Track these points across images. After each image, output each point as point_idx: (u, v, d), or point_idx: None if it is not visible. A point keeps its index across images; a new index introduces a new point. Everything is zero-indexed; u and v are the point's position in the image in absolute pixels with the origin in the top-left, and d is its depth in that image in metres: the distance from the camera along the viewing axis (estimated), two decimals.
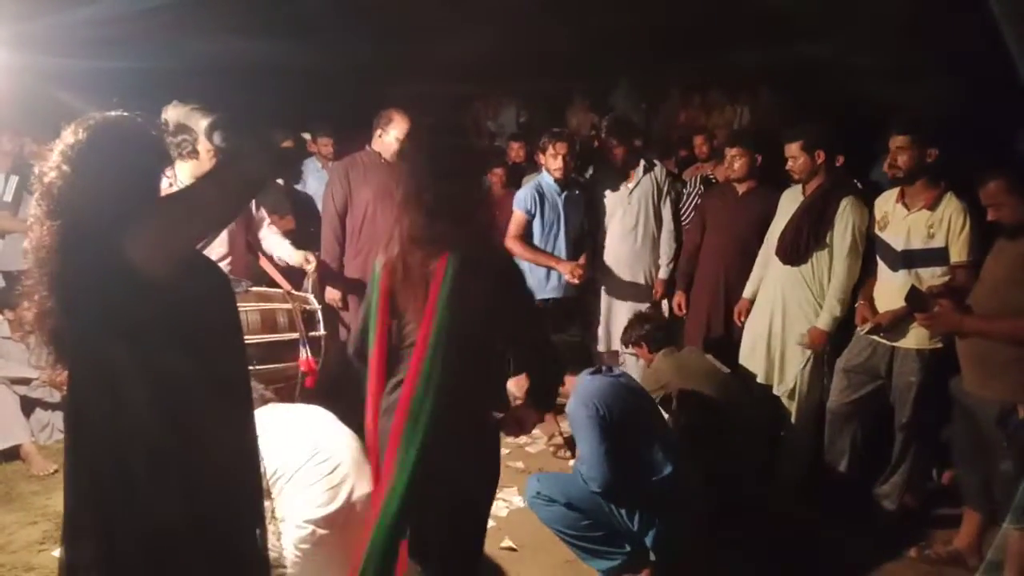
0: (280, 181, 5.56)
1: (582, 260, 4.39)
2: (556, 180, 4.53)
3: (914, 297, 3.26)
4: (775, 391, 3.98)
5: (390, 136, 4.33)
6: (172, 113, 2.09)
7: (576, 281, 4.31)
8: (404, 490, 2.11)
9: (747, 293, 4.20)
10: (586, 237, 4.67)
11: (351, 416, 2.79)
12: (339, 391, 4.29)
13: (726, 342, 4.34)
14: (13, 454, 4.20)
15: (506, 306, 2.24)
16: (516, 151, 6.60)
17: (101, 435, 1.79)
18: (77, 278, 1.72)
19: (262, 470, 2.03)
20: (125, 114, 1.85)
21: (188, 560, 1.81)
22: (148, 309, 1.73)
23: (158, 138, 1.92)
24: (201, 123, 1.99)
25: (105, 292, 1.70)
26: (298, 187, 5.89)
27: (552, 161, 4.51)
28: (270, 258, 4.16)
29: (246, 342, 3.32)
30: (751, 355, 4.07)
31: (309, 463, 2.72)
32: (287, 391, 3.72)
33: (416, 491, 2.12)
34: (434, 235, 2.19)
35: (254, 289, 3.79)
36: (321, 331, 3.79)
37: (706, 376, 3.83)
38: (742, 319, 4.19)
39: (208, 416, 1.84)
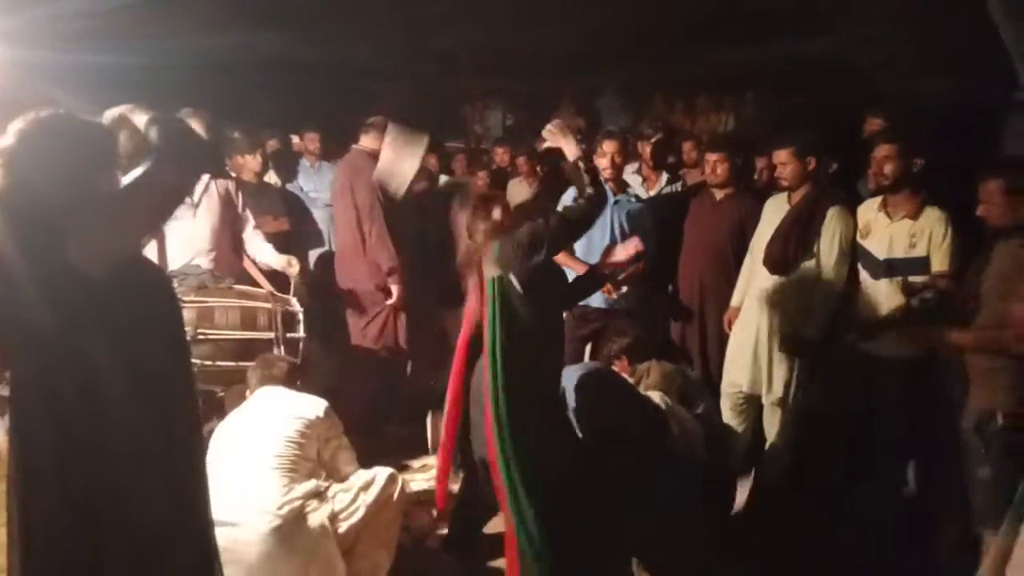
0: (277, 181, 5.53)
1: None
2: (605, 182, 4.19)
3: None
4: (763, 400, 4.01)
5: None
6: (111, 112, 2.08)
7: (612, 296, 4.12)
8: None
9: (735, 302, 4.18)
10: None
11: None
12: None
13: (702, 348, 4.38)
14: None
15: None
16: (501, 155, 6.62)
17: (38, 438, 1.79)
18: (18, 278, 1.71)
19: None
20: (60, 112, 1.83)
21: (130, 561, 1.82)
22: (85, 309, 1.74)
23: (97, 135, 1.89)
24: (140, 118, 1.97)
25: (44, 291, 1.71)
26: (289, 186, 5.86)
27: (601, 160, 4.25)
28: (254, 261, 4.15)
29: (224, 336, 3.38)
30: (736, 363, 4.07)
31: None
32: None
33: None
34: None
35: (237, 287, 3.78)
36: (301, 333, 3.75)
37: (699, 384, 4.01)
38: (731, 328, 4.16)
39: (147, 420, 1.84)
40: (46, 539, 1.79)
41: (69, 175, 1.78)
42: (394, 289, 4.44)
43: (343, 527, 2.92)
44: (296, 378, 3.29)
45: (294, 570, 2.77)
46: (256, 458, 2.87)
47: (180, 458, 1.94)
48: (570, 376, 3.32)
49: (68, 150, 1.79)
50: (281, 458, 2.87)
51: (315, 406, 3.08)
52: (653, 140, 5.04)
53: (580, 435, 3.20)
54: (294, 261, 4.06)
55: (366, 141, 4.49)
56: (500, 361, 2.73)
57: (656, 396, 3.70)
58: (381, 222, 4.40)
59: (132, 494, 1.82)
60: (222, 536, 2.50)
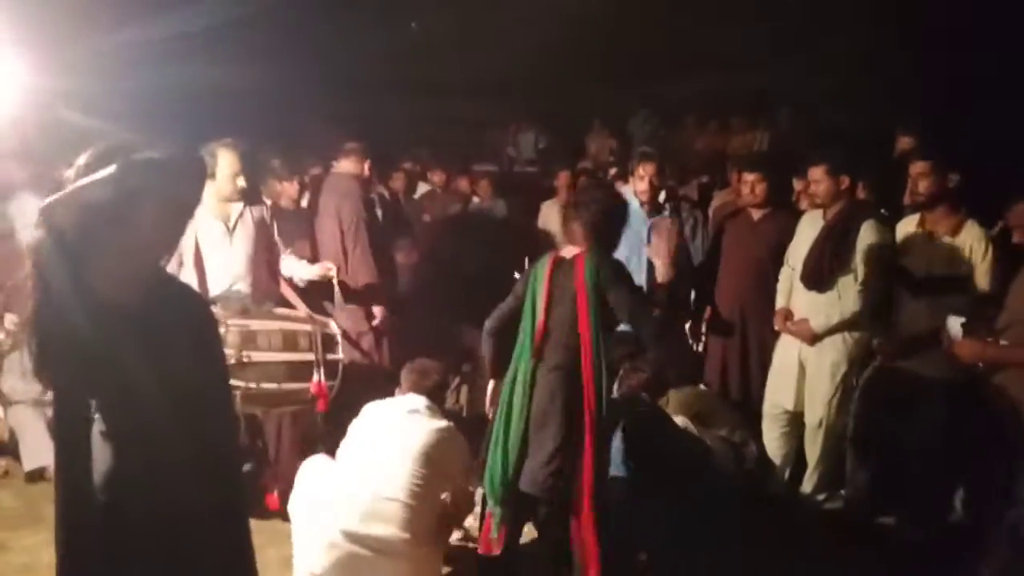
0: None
1: None
2: (641, 204, 4.33)
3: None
4: (805, 419, 3.95)
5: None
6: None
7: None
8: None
9: (780, 303, 4.07)
10: (685, 271, 4.34)
11: None
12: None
13: (744, 370, 4.33)
14: (40, 475, 4.22)
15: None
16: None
17: (78, 462, 1.86)
18: (52, 310, 1.74)
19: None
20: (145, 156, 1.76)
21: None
22: (115, 337, 1.76)
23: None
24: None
25: (90, 323, 1.73)
26: None
27: (639, 183, 4.30)
28: (291, 284, 4.20)
29: (267, 360, 3.43)
30: (779, 383, 4.02)
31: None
32: (305, 413, 3.76)
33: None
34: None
35: (278, 310, 3.82)
36: (340, 355, 3.77)
37: (721, 402, 4.04)
38: (784, 326, 3.99)
39: (187, 434, 1.85)
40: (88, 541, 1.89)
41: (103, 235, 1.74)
42: (376, 311, 4.42)
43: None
44: (444, 392, 3.38)
45: None
46: (391, 478, 2.95)
47: (219, 475, 1.97)
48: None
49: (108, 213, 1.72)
50: (415, 478, 2.95)
51: (445, 431, 3.10)
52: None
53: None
54: (330, 265, 4.11)
55: (346, 165, 4.61)
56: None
57: (679, 421, 3.68)
58: (366, 242, 4.43)
59: (171, 507, 1.86)
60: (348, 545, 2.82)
